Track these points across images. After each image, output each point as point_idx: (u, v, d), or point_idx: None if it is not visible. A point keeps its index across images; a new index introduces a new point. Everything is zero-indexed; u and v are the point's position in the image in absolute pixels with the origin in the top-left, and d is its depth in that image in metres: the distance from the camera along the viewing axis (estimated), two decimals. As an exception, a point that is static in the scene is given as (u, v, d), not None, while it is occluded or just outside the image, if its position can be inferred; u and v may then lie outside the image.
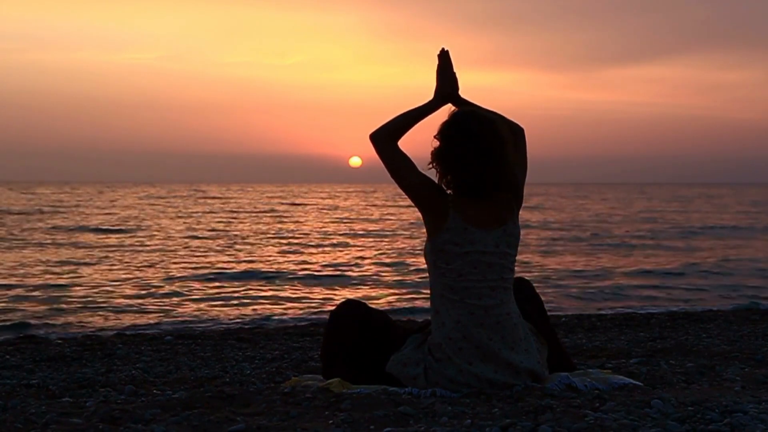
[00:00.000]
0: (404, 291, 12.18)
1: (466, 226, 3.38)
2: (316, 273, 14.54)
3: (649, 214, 39.20)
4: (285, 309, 10.28)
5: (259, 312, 9.99)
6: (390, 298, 11.43)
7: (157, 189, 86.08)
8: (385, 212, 40.39)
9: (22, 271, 13.88)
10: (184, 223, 30.07)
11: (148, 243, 20.62)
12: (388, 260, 16.91)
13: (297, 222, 32.18)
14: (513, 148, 3.49)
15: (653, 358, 4.63)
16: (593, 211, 43.31)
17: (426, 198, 3.46)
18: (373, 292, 12.06)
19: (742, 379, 3.75)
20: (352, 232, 26.49)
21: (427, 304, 3.62)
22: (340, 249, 20.02)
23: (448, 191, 3.49)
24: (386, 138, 3.54)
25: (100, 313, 9.66)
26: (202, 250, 19.02)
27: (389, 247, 20.53)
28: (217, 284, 12.65)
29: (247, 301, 10.92)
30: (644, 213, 41.18)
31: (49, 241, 20.60)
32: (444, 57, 3.61)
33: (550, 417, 2.84)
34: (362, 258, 17.39)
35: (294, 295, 11.57)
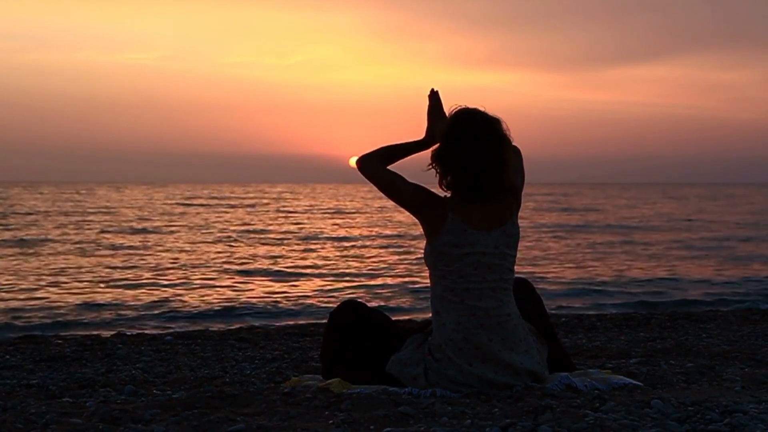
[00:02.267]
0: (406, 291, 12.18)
1: (465, 228, 3.38)
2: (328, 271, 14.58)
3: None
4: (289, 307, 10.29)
5: (260, 311, 10.00)
6: (390, 298, 11.44)
7: (157, 190, 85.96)
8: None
9: (37, 272, 13.89)
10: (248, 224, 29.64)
11: (168, 244, 20.52)
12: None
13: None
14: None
15: (653, 358, 4.63)
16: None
17: (423, 205, 3.46)
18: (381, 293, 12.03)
19: (742, 379, 3.75)
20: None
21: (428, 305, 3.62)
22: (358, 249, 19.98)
23: (448, 192, 3.49)
24: (372, 161, 3.58)
25: (101, 312, 9.67)
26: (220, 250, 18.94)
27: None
28: (224, 284, 12.64)
29: (252, 300, 10.93)
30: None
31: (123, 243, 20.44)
32: (434, 97, 3.65)
33: (550, 417, 2.84)
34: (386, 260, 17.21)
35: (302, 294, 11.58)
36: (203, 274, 13.94)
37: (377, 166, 3.57)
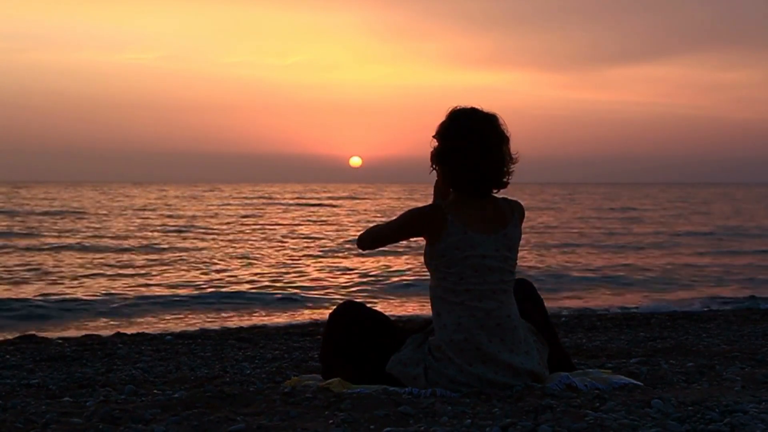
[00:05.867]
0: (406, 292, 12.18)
1: (466, 231, 3.38)
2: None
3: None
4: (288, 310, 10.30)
5: (260, 311, 10.02)
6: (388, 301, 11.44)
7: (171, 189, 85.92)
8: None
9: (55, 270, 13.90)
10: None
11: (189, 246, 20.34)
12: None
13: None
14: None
15: (653, 358, 4.63)
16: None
17: (418, 220, 3.45)
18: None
19: (743, 379, 3.75)
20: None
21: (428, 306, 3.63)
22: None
23: (449, 191, 3.51)
24: (364, 234, 3.65)
25: (102, 311, 9.68)
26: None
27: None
28: (223, 283, 12.65)
29: (252, 300, 10.94)
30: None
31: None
32: None
33: (550, 417, 2.84)
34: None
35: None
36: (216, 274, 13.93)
37: (368, 233, 3.64)
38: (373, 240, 3.63)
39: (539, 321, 3.64)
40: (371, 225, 3.78)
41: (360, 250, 3.75)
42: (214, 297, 11.14)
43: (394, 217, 3.60)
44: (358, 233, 3.74)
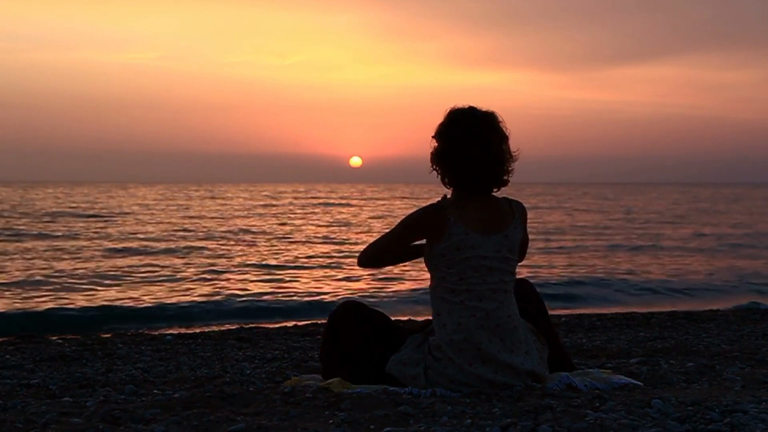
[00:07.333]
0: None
1: (467, 231, 3.38)
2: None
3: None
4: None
5: (261, 311, 10.02)
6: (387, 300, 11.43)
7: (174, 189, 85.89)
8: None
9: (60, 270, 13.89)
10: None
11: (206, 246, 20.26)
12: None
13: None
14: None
15: (653, 358, 4.63)
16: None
17: (419, 224, 3.45)
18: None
19: (743, 379, 3.75)
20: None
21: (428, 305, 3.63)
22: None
23: (449, 189, 3.51)
24: (364, 254, 3.62)
25: (104, 312, 9.68)
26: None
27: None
28: (223, 282, 12.64)
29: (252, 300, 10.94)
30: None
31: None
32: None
33: (550, 417, 2.84)
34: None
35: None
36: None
37: (367, 250, 3.60)
38: (374, 255, 3.58)
39: (539, 321, 3.64)
40: (368, 243, 3.71)
41: (361, 264, 3.63)
42: (216, 299, 11.14)
43: (393, 227, 3.58)
44: (367, 233, 3.72)
